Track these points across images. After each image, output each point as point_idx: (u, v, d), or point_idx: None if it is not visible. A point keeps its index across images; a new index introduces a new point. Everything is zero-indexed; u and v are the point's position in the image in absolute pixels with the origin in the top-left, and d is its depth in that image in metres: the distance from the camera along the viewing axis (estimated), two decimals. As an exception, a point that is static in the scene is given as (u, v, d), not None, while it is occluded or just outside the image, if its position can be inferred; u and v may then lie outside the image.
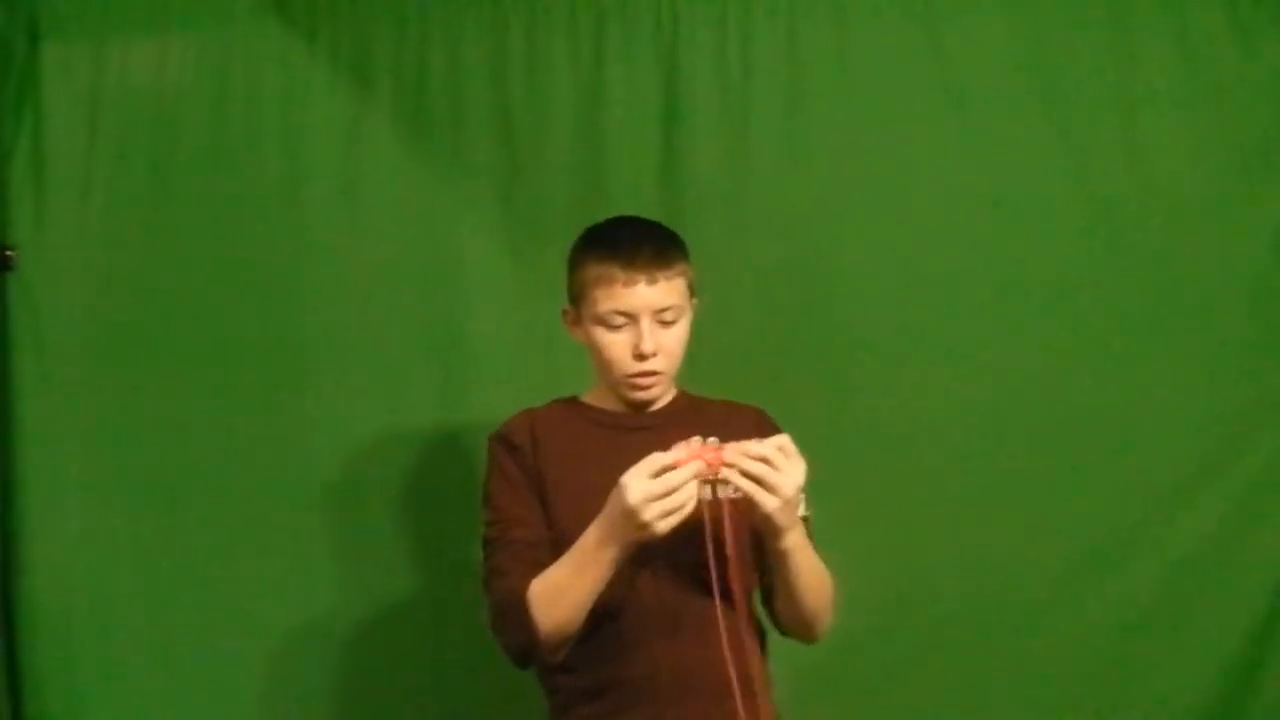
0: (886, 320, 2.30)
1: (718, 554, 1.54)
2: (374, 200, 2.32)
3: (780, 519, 1.56)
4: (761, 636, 1.79)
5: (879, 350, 2.30)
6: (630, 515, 1.50)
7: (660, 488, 1.49)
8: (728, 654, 1.54)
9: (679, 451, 1.53)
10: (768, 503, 1.52)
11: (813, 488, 1.76)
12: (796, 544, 1.63)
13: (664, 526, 1.50)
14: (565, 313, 1.82)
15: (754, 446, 1.54)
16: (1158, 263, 2.30)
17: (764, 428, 1.81)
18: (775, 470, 1.53)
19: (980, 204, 2.30)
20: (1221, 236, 2.30)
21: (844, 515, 2.20)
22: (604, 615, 1.66)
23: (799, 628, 1.75)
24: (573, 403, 1.85)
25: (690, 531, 1.57)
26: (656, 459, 1.52)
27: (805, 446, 1.75)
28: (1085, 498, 2.28)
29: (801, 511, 1.72)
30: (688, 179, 2.30)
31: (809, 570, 1.67)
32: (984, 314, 2.30)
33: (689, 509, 1.51)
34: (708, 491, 1.56)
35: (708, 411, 1.82)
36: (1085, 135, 2.30)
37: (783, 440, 1.56)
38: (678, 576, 1.66)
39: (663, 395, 1.80)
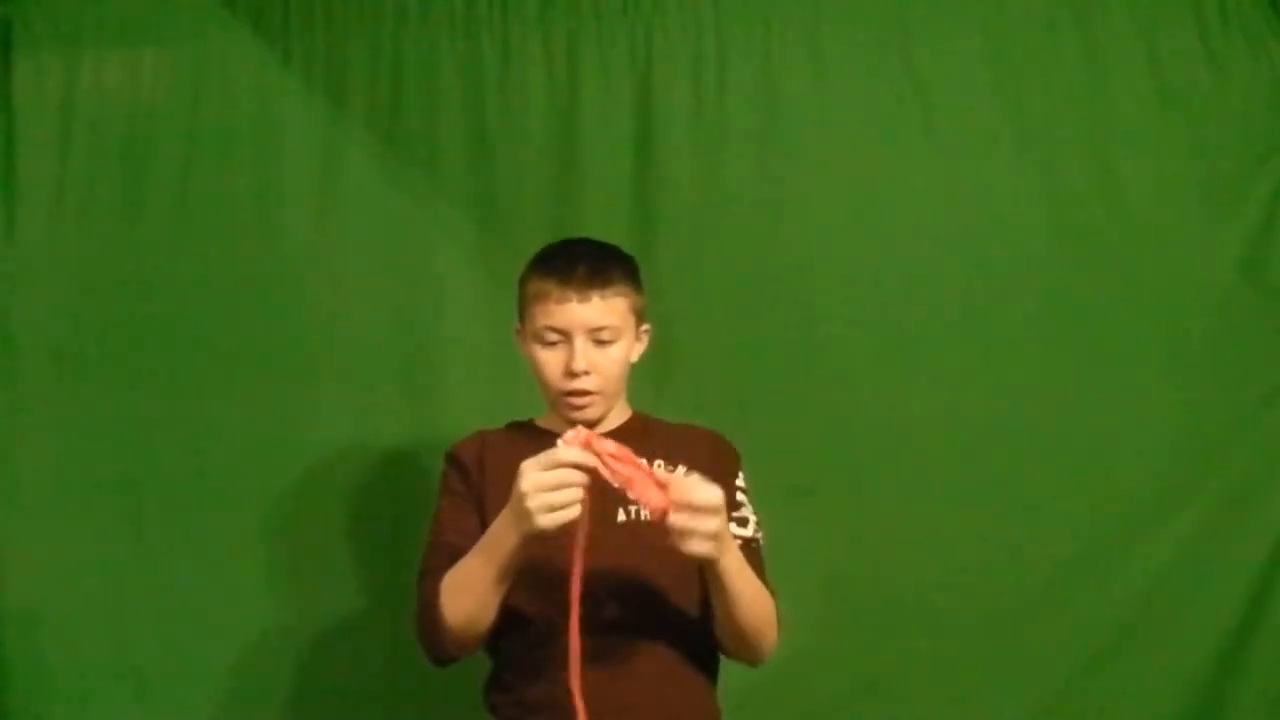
0: (861, 335, 2.30)
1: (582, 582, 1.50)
2: (347, 217, 2.32)
3: (722, 535, 1.52)
4: (709, 667, 1.76)
5: (854, 364, 2.30)
6: (518, 501, 1.48)
7: (552, 479, 1.47)
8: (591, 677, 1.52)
9: (572, 450, 1.48)
10: (712, 523, 1.48)
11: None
12: (728, 567, 1.58)
13: (546, 521, 1.46)
14: (517, 331, 1.81)
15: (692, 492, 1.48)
16: (1129, 281, 2.32)
17: (718, 452, 1.80)
18: (694, 519, 1.47)
19: (952, 222, 2.32)
20: (1191, 255, 2.32)
21: (819, 525, 2.22)
22: (535, 638, 1.66)
23: (738, 646, 1.70)
24: (524, 426, 1.84)
25: (621, 559, 1.58)
26: (556, 453, 1.48)
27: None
28: (1060, 512, 2.29)
29: (749, 533, 1.72)
30: (662, 198, 2.31)
31: (742, 590, 1.62)
32: (957, 330, 2.31)
33: (573, 511, 1.47)
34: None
35: (659, 434, 1.80)
36: (1056, 156, 2.33)
37: (692, 492, 1.48)
38: (609, 601, 1.63)
39: (603, 415, 1.77)
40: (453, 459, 1.78)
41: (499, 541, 1.56)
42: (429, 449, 2.26)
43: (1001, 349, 2.30)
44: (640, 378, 1.87)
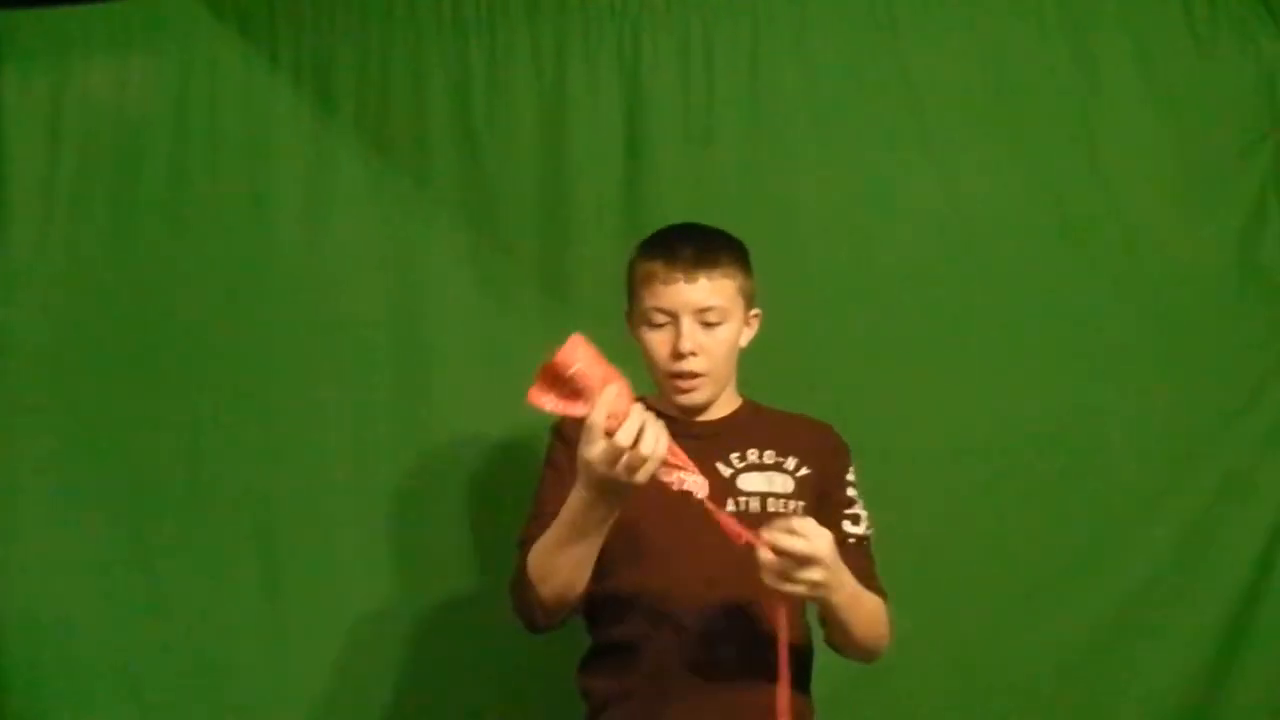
0: (852, 332, 2.30)
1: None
2: (337, 219, 2.32)
3: (828, 583, 1.50)
4: (804, 665, 1.76)
5: (840, 361, 2.29)
6: (607, 482, 1.46)
7: (621, 444, 1.43)
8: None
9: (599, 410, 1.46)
10: (814, 574, 1.47)
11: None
12: (844, 598, 1.57)
13: (642, 477, 1.44)
14: (626, 315, 1.81)
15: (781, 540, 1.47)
16: (1120, 271, 2.31)
17: (828, 448, 1.79)
18: (804, 541, 1.47)
19: (941, 216, 2.31)
20: (1182, 244, 2.31)
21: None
22: (635, 627, 1.67)
23: (853, 653, 1.71)
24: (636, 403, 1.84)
25: (724, 564, 1.55)
26: (594, 426, 1.45)
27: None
28: (1052, 510, 2.27)
29: (861, 530, 1.72)
30: (652, 194, 2.31)
31: (860, 610, 1.62)
32: (950, 324, 2.30)
33: (661, 450, 1.44)
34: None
35: (769, 422, 1.78)
36: (1045, 144, 2.32)
37: (796, 523, 1.50)
38: (705, 597, 1.64)
39: (712, 399, 1.76)
40: (557, 431, 1.77)
41: (586, 516, 1.53)
42: (422, 448, 2.28)
43: (994, 343, 2.30)
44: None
